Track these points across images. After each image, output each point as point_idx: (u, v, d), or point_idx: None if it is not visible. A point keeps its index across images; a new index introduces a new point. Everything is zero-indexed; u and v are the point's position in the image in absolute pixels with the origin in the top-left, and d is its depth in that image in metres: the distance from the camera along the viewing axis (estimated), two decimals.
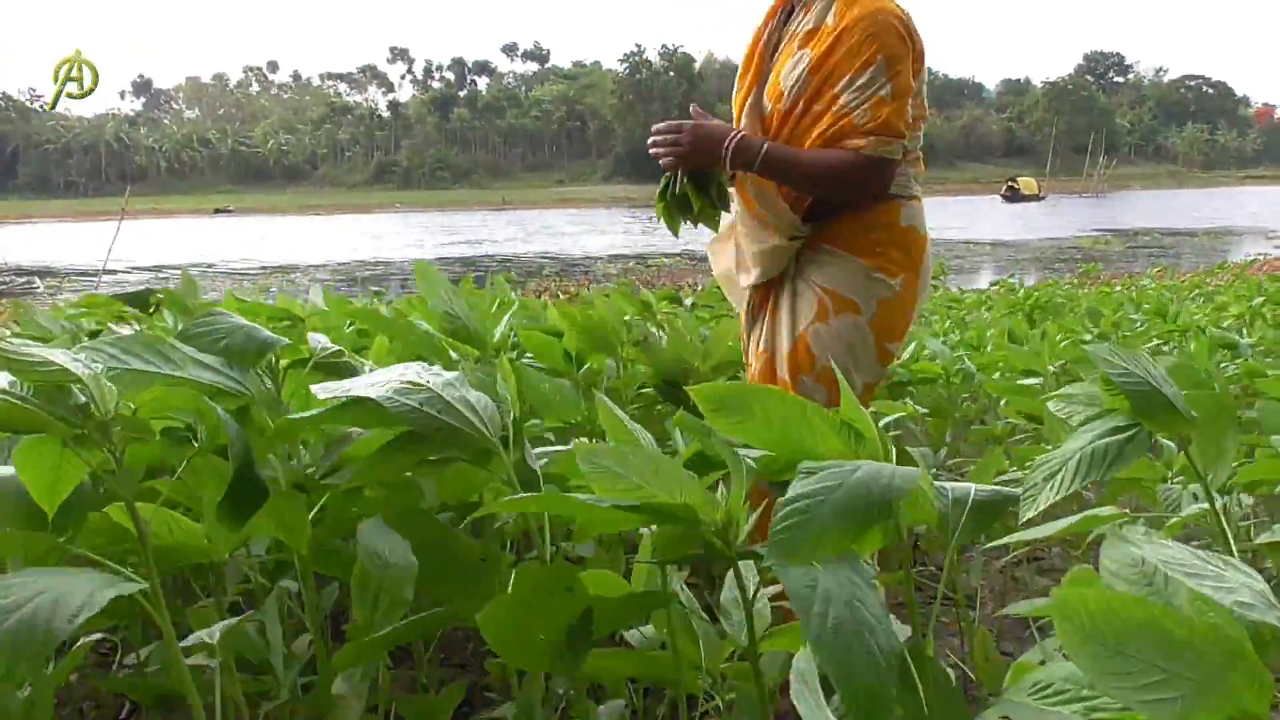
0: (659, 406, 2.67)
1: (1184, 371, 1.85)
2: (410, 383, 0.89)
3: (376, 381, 0.90)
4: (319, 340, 1.12)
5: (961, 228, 37.13)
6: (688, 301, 5.22)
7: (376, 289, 13.63)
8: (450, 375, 0.90)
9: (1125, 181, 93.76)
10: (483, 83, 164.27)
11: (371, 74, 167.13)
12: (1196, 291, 10.28)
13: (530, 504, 0.91)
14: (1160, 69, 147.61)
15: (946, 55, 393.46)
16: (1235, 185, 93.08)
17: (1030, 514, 1.23)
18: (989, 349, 3.63)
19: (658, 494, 0.87)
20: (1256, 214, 46.90)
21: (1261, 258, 22.43)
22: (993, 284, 12.89)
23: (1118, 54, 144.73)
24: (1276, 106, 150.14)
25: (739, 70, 2.41)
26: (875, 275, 2.26)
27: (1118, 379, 1.16)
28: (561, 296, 16.15)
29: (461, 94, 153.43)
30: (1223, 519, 1.33)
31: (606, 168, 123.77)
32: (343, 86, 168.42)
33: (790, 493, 0.85)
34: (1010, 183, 63.01)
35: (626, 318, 3.36)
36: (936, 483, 1.02)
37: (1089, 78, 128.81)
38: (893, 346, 2.30)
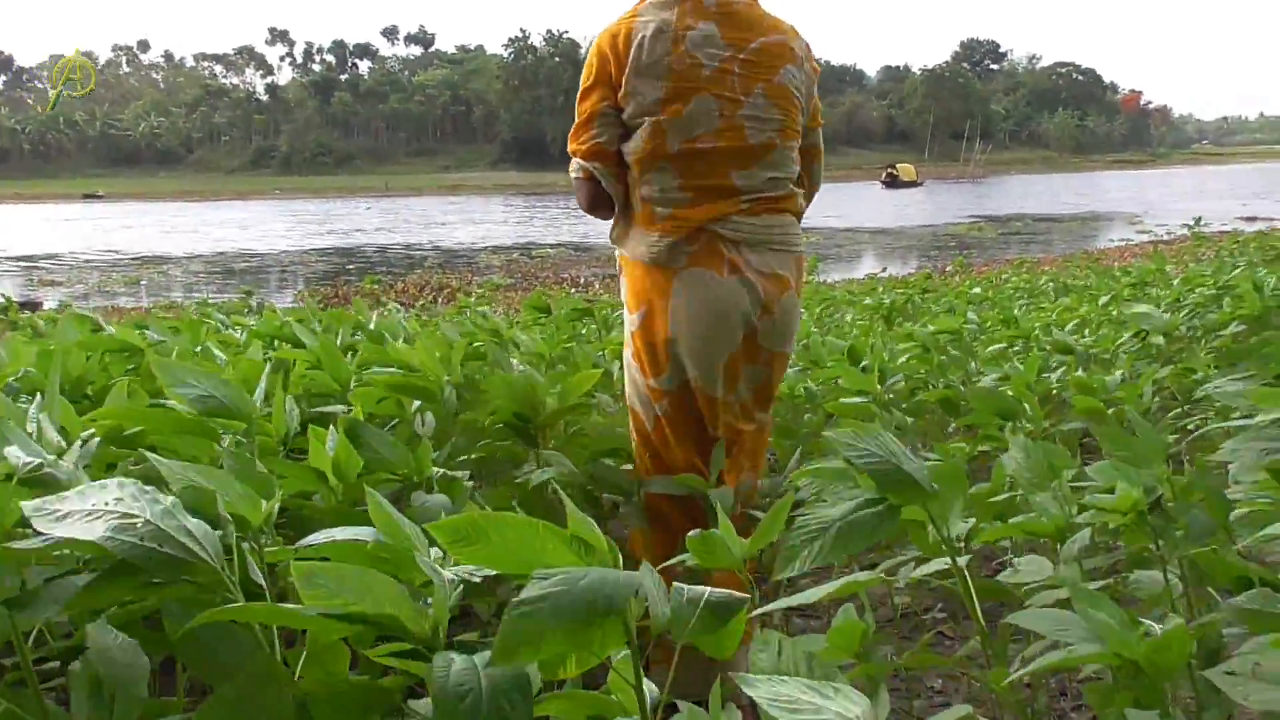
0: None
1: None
2: (126, 515, 0.88)
3: (92, 510, 0.89)
4: (16, 455, 1.09)
5: (841, 215, 37.92)
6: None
7: (247, 288, 13.28)
8: (167, 501, 0.90)
9: (1001, 167, 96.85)
10: (364, 66, 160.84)
11: (249, 55, 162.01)
12: (1055, 282, 10.67)
13: (242, 614, 0.92)
14: (1034, 57, 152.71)
15: (828, 42, 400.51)
16: (1104, 169, 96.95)
17: (787, 574, 1.28)
18: (829, 364, 3.72)
19: (368, 607, 0.91)
20: (1123, 198, 48.82)
21: (1125, 243, 23.45)
22: (868, 276, 13.23)
23: (993, 42, 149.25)
24: (1142, 93, 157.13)
25: None
26: (629, 313, 2.35)
27: (860, 462, 1.22)
28: (441, 293, 15.97)
29: (343, 78, 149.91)
30: (964, 574, 1.41)
31: (493, 154, 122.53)
32: (218, 68, 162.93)
33: (519, 597, 0.88)
34: (890, 169, 64.04)
35: (476, 344, 3.33)
36: (676, 583, 1.04)
37: (965, 65, 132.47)
38: (654, 382, 2.32)
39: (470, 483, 1.89)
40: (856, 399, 3.07)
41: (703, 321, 2.22)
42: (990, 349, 5.21)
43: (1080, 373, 4.44)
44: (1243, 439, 1.90)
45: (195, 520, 0.91)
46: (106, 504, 0.90)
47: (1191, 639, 1.53)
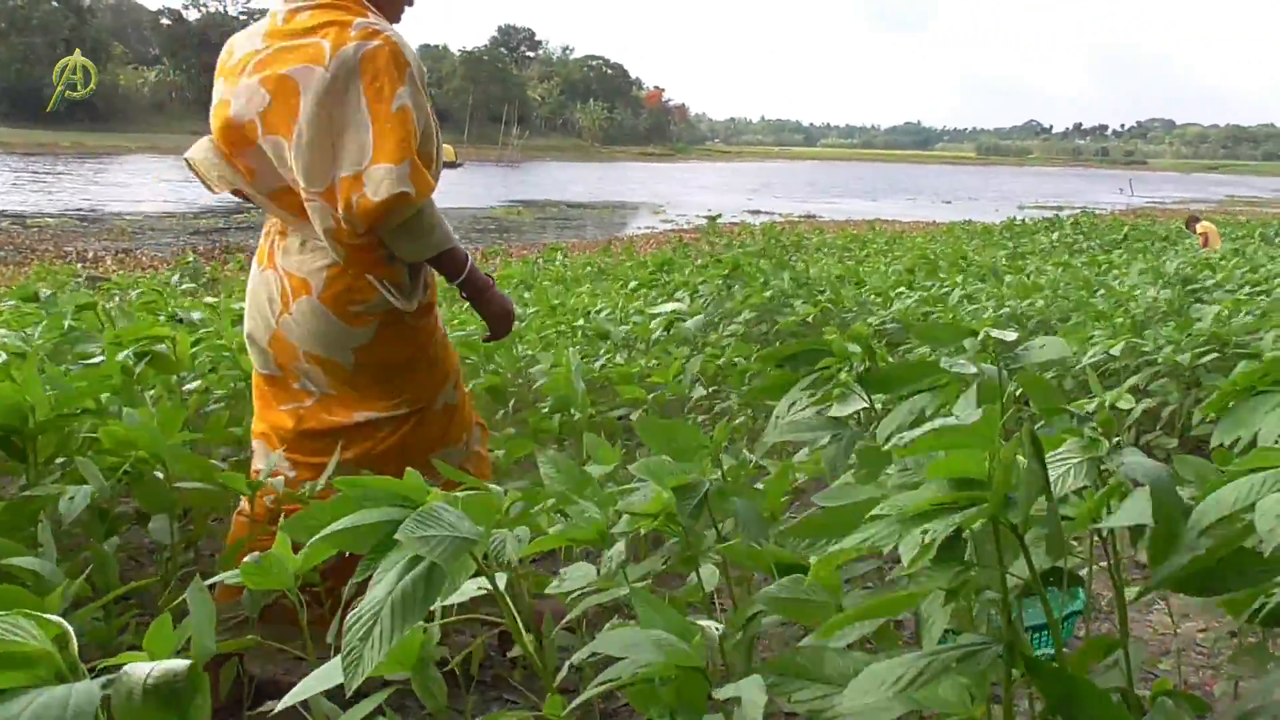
0: None
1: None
2: None
3: None
4: None
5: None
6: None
7: None
8: None
9: (538, 152, 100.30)
10: None
11: None
12: (591, 266, 11.14)
13: None
14: (567, 48, 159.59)
15: None
16: (631, 160, 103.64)
17: (359, 681, 1.10)
18: None
19: None
20: (648, 189, 52.41)
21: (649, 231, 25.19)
22: None
23: (529, 29, 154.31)
24: (664, 91, 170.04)
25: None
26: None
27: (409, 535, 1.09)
28: None
29: None
30: (504, 595, 1.31)
31: None
32: None
33: None
34: None
35: None
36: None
37: (503, 50, 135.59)
38: None
39: None
40: None
41: None
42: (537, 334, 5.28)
43: (620, 359, 4.62)
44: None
45: None
46: None
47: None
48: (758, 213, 31.30)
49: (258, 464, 2.36)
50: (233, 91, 2.17)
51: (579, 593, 1.74)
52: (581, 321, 5.32)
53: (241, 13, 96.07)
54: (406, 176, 2.03)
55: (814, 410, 1.96)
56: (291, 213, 2.22)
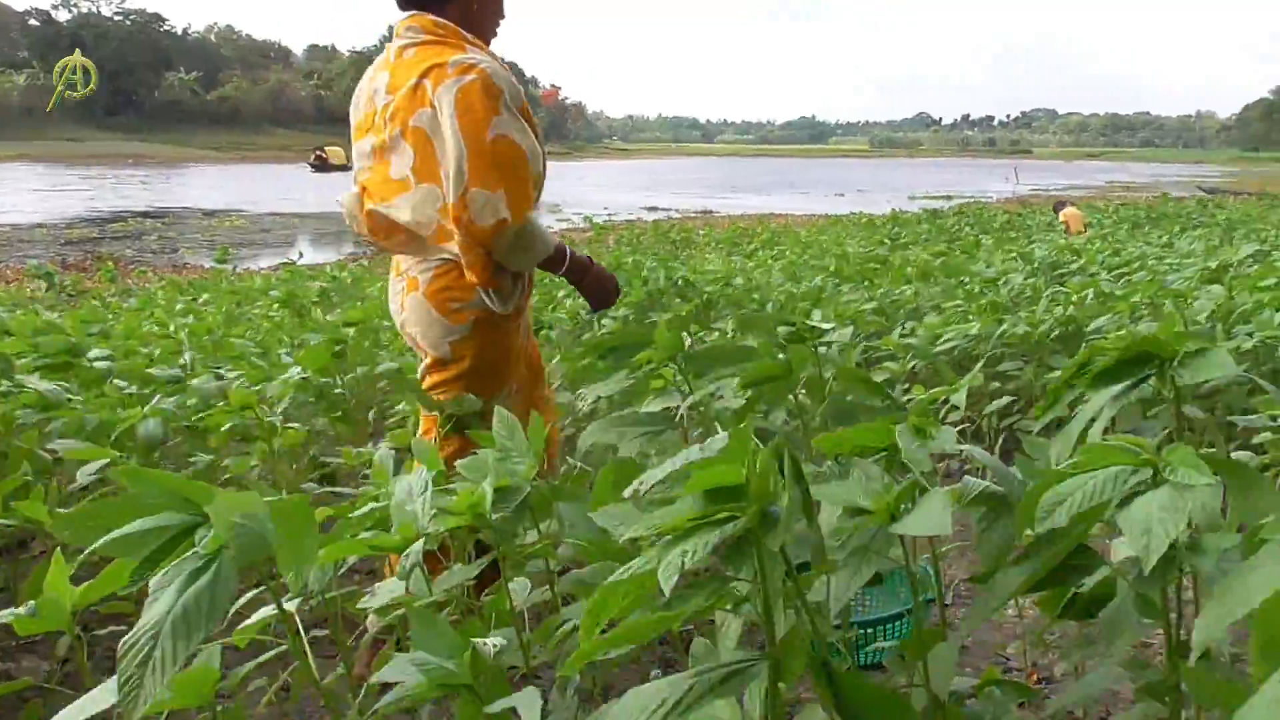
0: None
1: None
2: None
3: None
4: None
5: (273, 198, 36.38)
6: None
7: None
8: None
9: None
10: None
11: None
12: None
13: None
14: None
15: (250, 16, 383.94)
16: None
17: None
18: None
19: None
20: (548, 187, 51.79)
21: None
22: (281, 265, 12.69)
23: None
24: (561, 89, 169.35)
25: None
26: None
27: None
28: None
29: None
30: (296, 621, 1.22)
31: None
32: None
33: None
34: (318, 152, 61.92)
35: None
36: None
37: None
38: None
39: None
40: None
41: None
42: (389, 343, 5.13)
43: None
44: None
45: None
46: None
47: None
48: (654, 209, 31.33)
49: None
50: (393, 149, 2.43)
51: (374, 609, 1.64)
52: None
53: (116, 13, 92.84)
54: (502, 203, 2.30)
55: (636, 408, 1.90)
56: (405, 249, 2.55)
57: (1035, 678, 2.50)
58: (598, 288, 2.67)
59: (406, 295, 2.53)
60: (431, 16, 2.46)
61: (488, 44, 2.57)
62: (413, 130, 2.37)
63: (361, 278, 10.13)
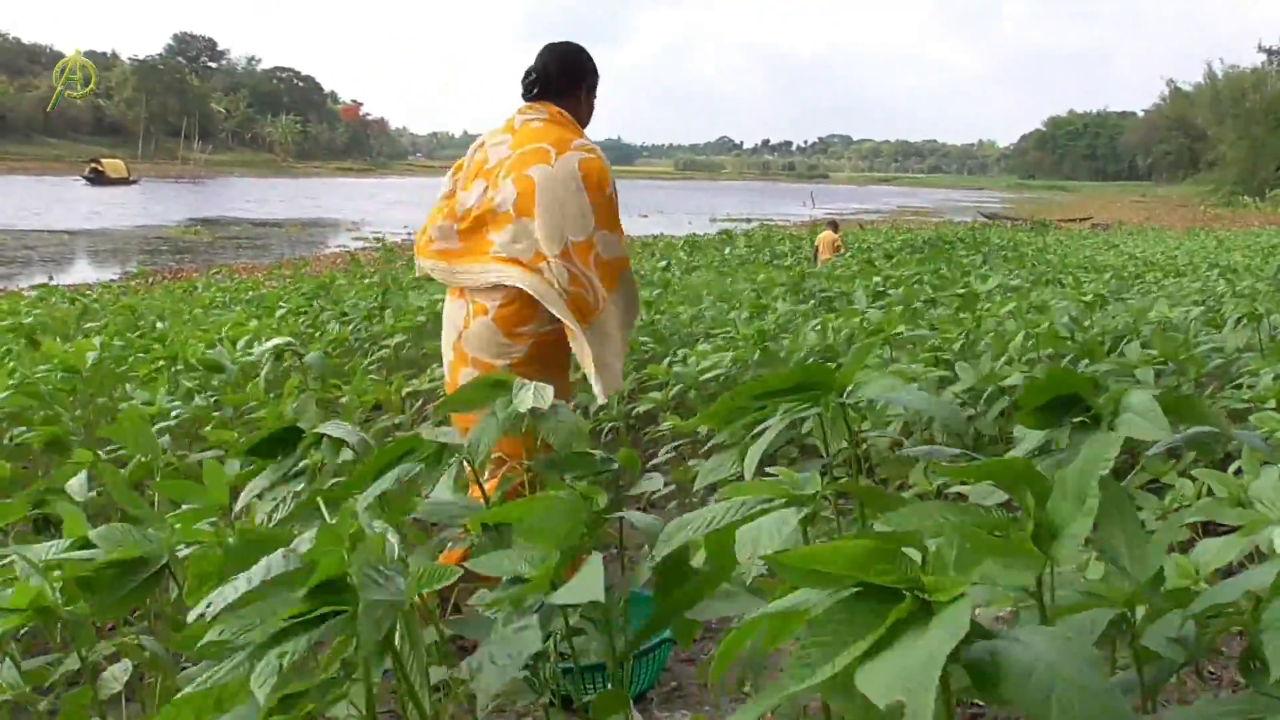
0: None
1: None
2: None
3: None
4: None
5: (38, 212, 33.98)
6: None
7: None
8: None
9: (225, 168, 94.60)
10: None
11: None
12: (250, 293, 10.45)
13: None
14: (253, 58, 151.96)
15: (18, 17, 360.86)
16: (328, 175, 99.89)
17: None
18: None
19: None
20: (345, 205, 50.42)
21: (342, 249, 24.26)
22: (32, 287, 11.73)
23: (210, 38, 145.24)
24: (362, 104, 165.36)
25: None
26: None
27: None
28: None
29: None
30: None
31: None
32: None
33: None
34: (94, 164, 58.25)
35: None
36: None
37: (181, 59, 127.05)
38: None
39: None
40: None
41: None
42: (142, 372, 4.76)
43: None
44: None
45: None
46: None
47: None
48: None
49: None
50: (497, 190, 2.92)
51: None
52: (188, 354, 4.83)
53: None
54: (618, 242, 2.95)
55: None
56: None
57: None
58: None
59: (474, 318, 2.94)
60: (556, 107, 3.05)
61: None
62: (525, 178, 2.87)
63: (136, 301, 9.45)
